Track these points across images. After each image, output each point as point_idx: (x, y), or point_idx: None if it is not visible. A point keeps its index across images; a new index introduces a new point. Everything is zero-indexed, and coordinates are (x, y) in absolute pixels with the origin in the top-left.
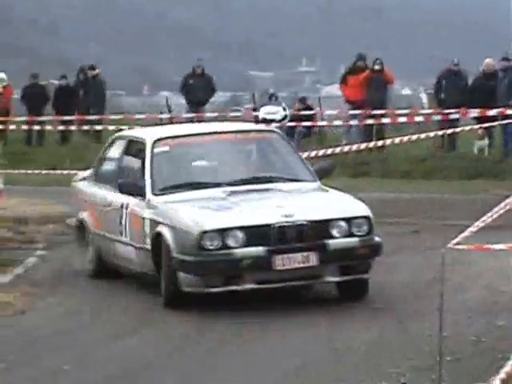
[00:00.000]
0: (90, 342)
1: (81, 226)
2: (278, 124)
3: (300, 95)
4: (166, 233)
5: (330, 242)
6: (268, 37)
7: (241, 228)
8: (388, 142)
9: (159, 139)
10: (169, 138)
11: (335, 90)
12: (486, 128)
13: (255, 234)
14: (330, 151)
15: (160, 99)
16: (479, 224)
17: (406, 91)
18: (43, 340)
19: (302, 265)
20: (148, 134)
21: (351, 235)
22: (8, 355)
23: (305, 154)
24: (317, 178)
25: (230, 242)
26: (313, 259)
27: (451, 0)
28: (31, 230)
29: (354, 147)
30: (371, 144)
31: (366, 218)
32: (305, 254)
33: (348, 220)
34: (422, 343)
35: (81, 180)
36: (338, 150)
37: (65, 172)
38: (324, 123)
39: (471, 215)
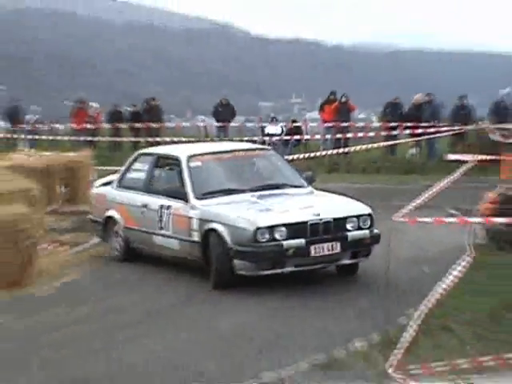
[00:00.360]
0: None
1: (107, 221)
2: (278, 137)
3: (292, 118)
4: (221, 229)
5: (349, 234)
6: (269, 79)
7: (285, 225)
8: (351, 149)
9: (192, 156)
10: (199, 155)
11: (315, 115)
12: (415, 140)
13: (295, 229)
14: (312, 155)
15: (197, 120)
16: (413, 204)
17: (362, 115)
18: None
19: (329, 252)
20: (181, 152)
21: (360, 228)
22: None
23: (295, 156)
24: (307, 183)
25: (277, 236)
26: (337, 247)
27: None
28: None
29: (329, 152)
30: (340, 150)
31: (370, 215)
32: (331, 243)
33: (358, 217)
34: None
35: (101, 186)
36: (317, 154)
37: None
38: (308, 136)
39: (407, 199)
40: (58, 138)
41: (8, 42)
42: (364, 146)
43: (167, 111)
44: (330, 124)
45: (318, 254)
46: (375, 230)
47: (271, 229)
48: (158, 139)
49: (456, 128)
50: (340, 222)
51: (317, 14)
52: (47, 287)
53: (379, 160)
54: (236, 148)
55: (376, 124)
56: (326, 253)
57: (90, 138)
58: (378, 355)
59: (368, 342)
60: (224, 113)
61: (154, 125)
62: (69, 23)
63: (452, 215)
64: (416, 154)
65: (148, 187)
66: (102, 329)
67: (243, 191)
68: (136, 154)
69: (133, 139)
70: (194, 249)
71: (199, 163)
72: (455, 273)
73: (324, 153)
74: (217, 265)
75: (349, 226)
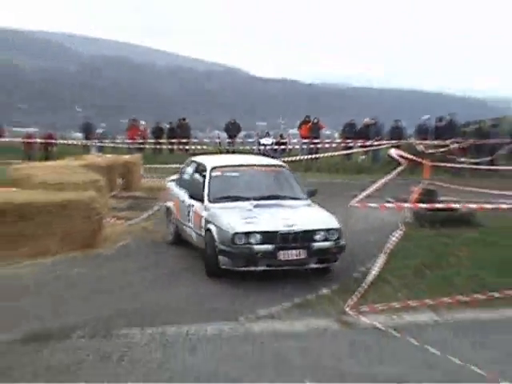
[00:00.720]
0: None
1: (167, 210)
2: (269, 146)
3: (279, 133)
4: (213, 229)
5: (315, 244)
6: (264, 106)
7: (258, 232)
8: (320, 155)
9: (215, 167)
10: (220, 166)
11: (295, 131)
12: (364, 150)
13: (268, 236)
14: (293, 159)
15: (214, 134)
16: (363, 194)
17: (328, 132)
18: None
19: (296, 257)
20: (208, 162)
21: (327, 240)
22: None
23: (282, 159)
24: (307, 196)
25: (252, 240)
26: (302, 254)
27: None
28: (156, 193)
29: (304, 157)
30: (312, 156)
31: (337, 229)
32: (298, 250)
33: (328, 230)
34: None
35: (170, 181)
36: (297, 158)
37: (173, 166)
38: (290, 146)
39: (358, 191)
40: (118, 145)
41: (86, 79)
42: (329, 154)
43: (193, 127)
44: (305, 139)
45: (285, 258)
46: (342, 242)
47: (247, 234)
48: (186, 147)
49: (393, 142)
50: (309, 233)
51: (297, 61)
52: (110, 248)
53: (339, 163)
54: (255, 163)
55: (337, 139)
56: (293, 258)
57: (139, 146)
58: (338, 299)
59: (331, 290)
60: (232, 129)
61: (183, 140)
62: (125, 67)
63: (390, 202)
64: (365, 160)
65: (188, 187)
66: (146, 278)
67: (248, 199)
68: (188, 160)
69: (169, 146)
70: (201, 242)
71: (219, 173)
72: (391, 241)
73: (301, 157)
74: (207, 258)
75: (317, 237)
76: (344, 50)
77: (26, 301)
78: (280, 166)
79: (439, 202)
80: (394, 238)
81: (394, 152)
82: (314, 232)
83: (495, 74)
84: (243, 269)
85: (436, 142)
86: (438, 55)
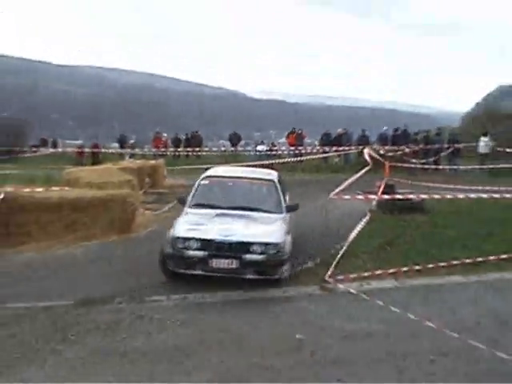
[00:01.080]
0: None
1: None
2: (264, 152)
3: (271, 141)
4: (168, 232)
5: (247, 255)
6: (259, 120)
7: (195, 239)
8: (303, 158)
9: (206, 177)
10: (212, 176)
11: (284, 140)
12: (338, 154)
13: (205, 244)
14: (282, 161)
15: (220, 144)
16: (339, 189)
17: (309, 141)
18: None
19: (227, 266)
20: (207, 172)
21: (263, 253)
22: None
23: (273, 161)
24: (285, 211)
25: (189, 246)
26: (234, 264)
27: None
28: (176, 190)
29: (291, 159)
30: (298, 159)
31: (276, 244)
32: (230, 260)
33: (264, 244)
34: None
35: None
36: (285, 160)
37: (186, 167)
38: (280, 152)
39: (334, 186)
40: (145, 153)
41: (120, 102)
42: (310, 157)
43: (204, 138)
44: (292, 146)
45: (217, 266)
46: (282, 257)
47: (186, 240)
48: (199, 153)
49: (360, 147)
50: (244, 245)
51: (283, 85)
52: (141, 233)
53: (318, 165)
54: (246, 176)
55: (317, 146)
56: (225, 266)
57: (162, 153)
58: (320, 270)
59: (314, 263)
60: (234, 139)
61: (196, 148)
62: (149, 91)
63: (360, 194)
64: (338, 162)
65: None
66: None
67: (220, 207)
68: (206, 168)
69: (185, 153)
70: None
71: (207, 182)
72: (360, 225)
73: (288, 160)
74: (159, 258)
75: (252, 249)
76: (323, 75)
77: (78, 274)
78: (269, 179)
79: (398, 193)
80: (362, 222)
81: (366, 152)
82: (249, 244)
83: (442, 93)
84: (183, 271)
85: (394, 147)
86: (392, 77)
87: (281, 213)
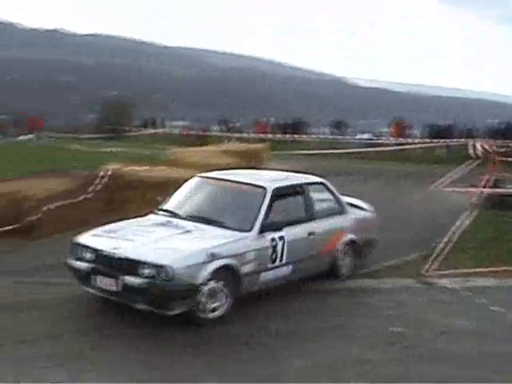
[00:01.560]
0: None
1: None
2: (364, 140)
3: (378, 131)
4: None
5: (125, 277)
6: (361, 109)
7: (86, 247)
8: (406, 147)
9: (198, 176)
10: (202, 177)
11: (387, 130)
12: (442, 146)
13: (96, 255)
14: (385, 149)
15: (320, 130)
16: (447, 181)
17: (414, 132)
18: None
19: (109, 287)
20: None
21: (150, 277)
22: None
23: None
24: (258, 230)
25: (79, 254)
26: (116, 285)
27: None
28: None
29: (391, 149)
30: (399, 147)
31: (170, 268)
32: (112, 280)
33: (153, 265)
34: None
35: None
36: (387, 149)
37: (290, 152)
38: (381, 141)
39: (437, 177)
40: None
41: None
42: (411, 146)
43: (308, 125)
44: (395, 136)
45: (99, 285)
46: (173, 288)
47: (78, 246)
48: (297, 139)
49: (469, 140)
50: (129, 264)
51: (387, 73)
52: None
53: (421, 156)
54: (238, 180)
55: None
56: (107, 287)
57: (263, 137)
58: (420, 264)
59: (414, 257)
60: (338, 126)
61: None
62: (250, 75)
63: (463, 188)
64: (441, 154)
65: None
66: None
67: (175, 215)
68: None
69: (289, 138)
70: None
71: (193, 183)
72: (461, 219)
73: (390, 149)
74: None
75: (140, 271)
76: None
77: None
78: (260, 187)
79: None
80: (463, 217)
81: (479, 145)
82: (137, 263)
83: None
84: (79, 281)
85: (505, 142)
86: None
87: (247, 231)
